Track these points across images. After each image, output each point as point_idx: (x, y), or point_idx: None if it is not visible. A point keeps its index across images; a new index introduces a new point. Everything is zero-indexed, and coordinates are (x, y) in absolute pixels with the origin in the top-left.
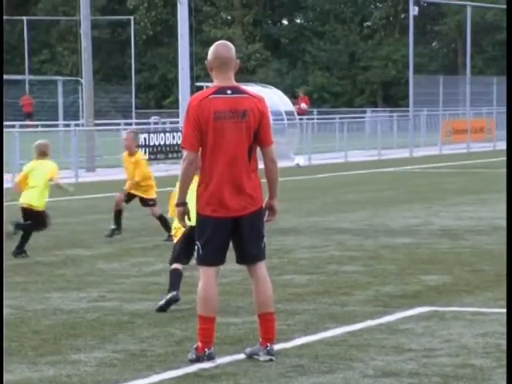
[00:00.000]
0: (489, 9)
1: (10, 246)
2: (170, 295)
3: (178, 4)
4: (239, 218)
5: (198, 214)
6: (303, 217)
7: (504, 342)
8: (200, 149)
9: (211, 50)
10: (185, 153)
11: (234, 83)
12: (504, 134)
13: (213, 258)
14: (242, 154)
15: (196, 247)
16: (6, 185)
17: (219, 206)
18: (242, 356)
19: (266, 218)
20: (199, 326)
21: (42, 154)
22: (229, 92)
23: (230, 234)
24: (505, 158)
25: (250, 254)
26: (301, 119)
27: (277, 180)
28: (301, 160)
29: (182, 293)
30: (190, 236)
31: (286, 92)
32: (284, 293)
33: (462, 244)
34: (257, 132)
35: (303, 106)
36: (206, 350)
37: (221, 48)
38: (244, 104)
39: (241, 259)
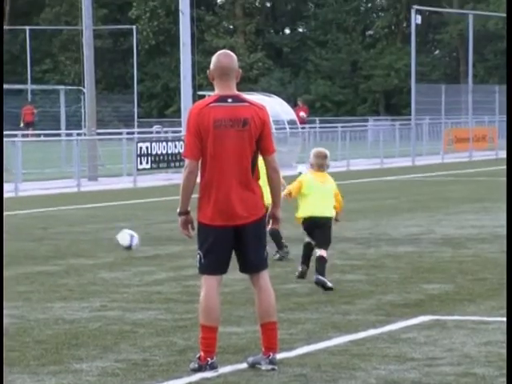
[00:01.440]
0: (490, 17)
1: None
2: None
3: (180, 13)
4: (241, 227)
5: (199, 223)
6: None
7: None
8: (201, 158)
9: (213, 60)
10: (186, 161)
11: (235, 92)
12: (506, 142)
13: (215, 267)
14: (244, 163)
15: (198, 256)
16: (6, 194)
17: (220, 215)
18: (244, 365)
19: (269, 226)
20: (201, 336)
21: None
22: (229, 100)
23: (231, 242)
24: None
25: (253, 263)
26: (303, 128)
27: (279, 188)
28: (303, 169)
29: (184, 302)
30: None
31: (288, 101)
32: (287, 302)
33: (465, 253)
34: (258, 141)
35: (302, 114)
36: (209, 359)
37: (222, 58)
38: (245, 112)
39: (243, 268)
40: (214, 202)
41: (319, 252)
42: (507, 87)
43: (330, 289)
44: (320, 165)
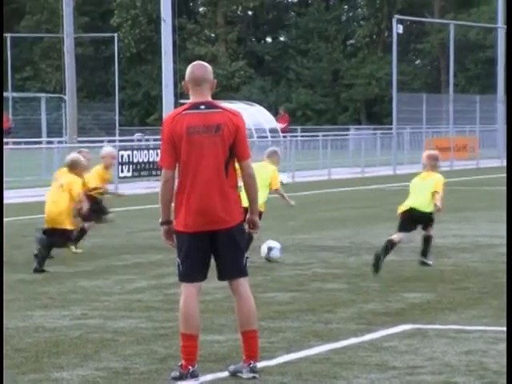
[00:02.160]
0: (471, 27)
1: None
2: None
3: (162, 22)
4: (216, 233)
5: (176, 231)
6: (287, 234)
7: (487, 359)
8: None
9: (187, 71)
10: (162, 171)
11: (209, 99)
12: (486, 151)
13: (193, 274)
14: (217, 169)
15: (176, 263)
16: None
17: (195, 221)
18: (225, 374)
19: (247, 231)
20: (182, 344)
21: None
22: (202, 107)
23: (208, 248)
24: (487, 176)
25: (228, 270)
26: (284, 137)
27: (256, 194)
28: (284, 177)
29: (165, 310)
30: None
31: (269, 109)
32: (267, 310)
33: (446, 262)
34: (233, 146)
35: (280, 125)
36: (190, 367)
37: (196, 69)
38: (218, 118)
39: (221, 276)
40: (188, 209)
41: (425, 232)
42: (506, 93)
43: (427, 264)
44: (432, 165)
